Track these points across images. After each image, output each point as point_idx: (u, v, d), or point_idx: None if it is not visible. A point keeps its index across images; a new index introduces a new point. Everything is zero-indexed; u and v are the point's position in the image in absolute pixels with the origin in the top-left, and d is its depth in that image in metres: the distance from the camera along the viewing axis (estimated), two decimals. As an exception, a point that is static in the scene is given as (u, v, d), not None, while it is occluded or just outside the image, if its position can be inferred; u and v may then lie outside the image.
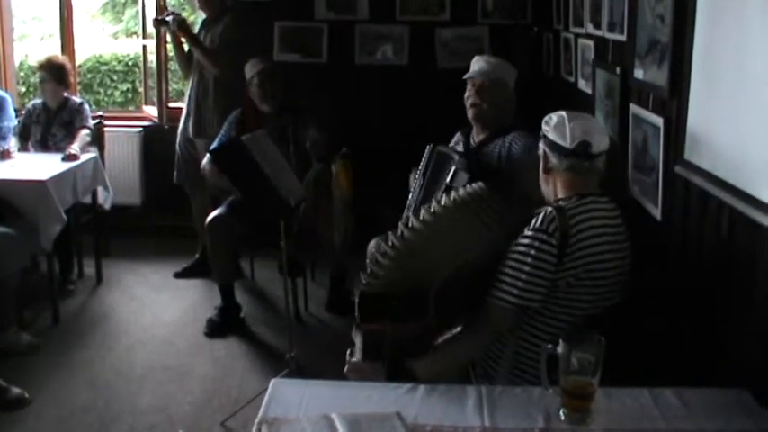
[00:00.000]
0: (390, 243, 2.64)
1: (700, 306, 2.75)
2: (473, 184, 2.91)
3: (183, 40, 5.77)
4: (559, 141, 2.67)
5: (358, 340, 2.71)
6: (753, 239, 2.32)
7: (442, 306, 2.58)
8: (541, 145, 2.79)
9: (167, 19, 5.68)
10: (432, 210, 2.71)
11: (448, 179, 3.69)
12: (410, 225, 2.66)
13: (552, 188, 2.77)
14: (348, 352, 2.77)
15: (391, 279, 2.59)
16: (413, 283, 2.56)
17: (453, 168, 3.70)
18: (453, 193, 2.82)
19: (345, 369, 2.73)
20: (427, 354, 2.63)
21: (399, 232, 2.65)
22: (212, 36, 5.73)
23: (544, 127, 2.76)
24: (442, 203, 2.74)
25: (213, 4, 5.81)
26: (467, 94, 4.01)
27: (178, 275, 5.97)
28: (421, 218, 2.68)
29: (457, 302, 2.68)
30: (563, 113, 2.72)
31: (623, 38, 3.70)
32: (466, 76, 4.02)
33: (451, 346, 2.71)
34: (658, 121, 3.12)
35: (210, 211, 5.24)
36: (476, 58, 4.08)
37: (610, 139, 2.78)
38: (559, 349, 2.06)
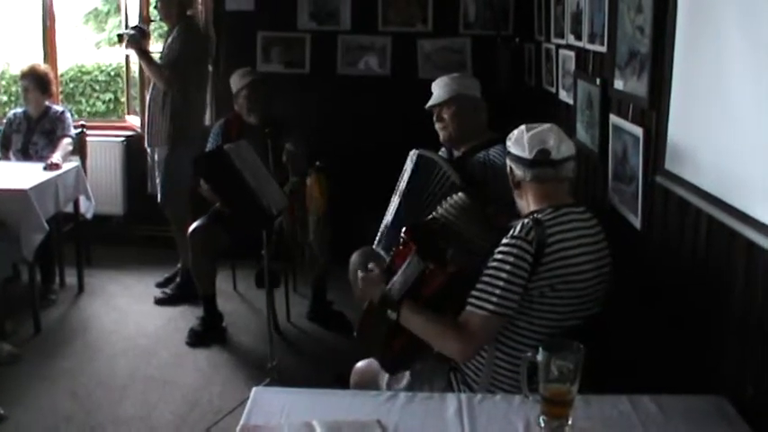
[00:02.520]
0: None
1: (678, 313, 2.78)
2: (454, 196, 2.96)
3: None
4: (520, 153, 2.73)
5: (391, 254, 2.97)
6: (730, 248, 2.35)
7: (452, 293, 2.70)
8: (508, 161, 2.84)
9: (127, 33, 5.77)
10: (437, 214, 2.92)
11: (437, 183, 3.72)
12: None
13: (525, 201, 2.79)
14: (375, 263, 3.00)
15: (447, 231, 2.82)
16: (456, 249, 2.73)
17: (443, 172, 3.72)
18: (440, 208, 2.90)
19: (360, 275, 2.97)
20: (419, 304, 2.72)
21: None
22: (166, 48, 5.76)
23: (507, 143, 2.82)
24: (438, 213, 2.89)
25: (171, 16, 5.76)
26: (434, 119, 4.10)
27: (160, 285, 5.94)
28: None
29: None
30: (523, 127, 2.78)
31: (603, 49, 3.73)
32: (426, 107, 4.10)
33: (437, 322, 2.68)
34: (638, 131, 3.14)
35: (189, 223, 5.26)
36: (432, 84, 4.15)
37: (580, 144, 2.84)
38: (539, 357, 2.07)
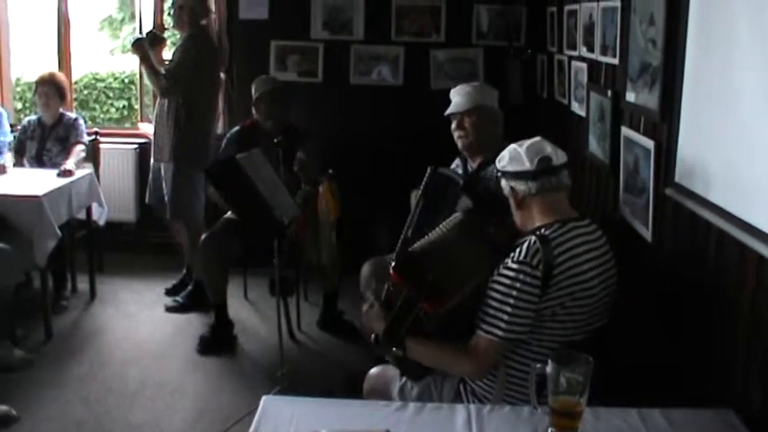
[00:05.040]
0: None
1: (688, 327, 2.78)
2: (454, 216, 2.92)
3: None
4: (520, 168, 2.70)
5: (384, 288, 2.93)
6: (739, 261, 2.35)
7: (456, 314, 2.66)
8: (504, 184, 2.81)
9: (137, 37, 5.75)
10: (434, 235, 2.81)
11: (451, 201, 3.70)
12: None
13: (530, 219, 2.75)
14: (372, 295, 3.01)
15: (436, 261, 2.68)
16: (449, 277, 2.64)
17: (456, 194, 3.71)
18: (440, 227, 2.86)
19: (365, 306, 2.99)
20: (423, 338, 2.74)
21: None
22: (171, 56, 5.73)
23: (499, 166, 2.80)
24: (437, 233, 2.82)
25: (182, 24, 5.67)
26: (452, 127, 4.06)
27: (168, 293, 5.95)
28: (430, 239, 2.79)
29: (464, 320, 2.71)
30: (513, 145, 2.77)
31: (615, 61, 3.74)
32: (446, 113, 4.06)
33: (444, 350, 2.74)
34: (649, 143, 3.15)
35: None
36: (452, 91, 4.12)
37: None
38: (548, 369, 2.08)
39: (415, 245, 2.76)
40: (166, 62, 5.80)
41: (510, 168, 2.74)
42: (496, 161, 2.83)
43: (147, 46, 5.61)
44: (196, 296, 5.69)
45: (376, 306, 2.92)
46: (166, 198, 5.75)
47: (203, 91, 5.70)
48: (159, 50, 5.84)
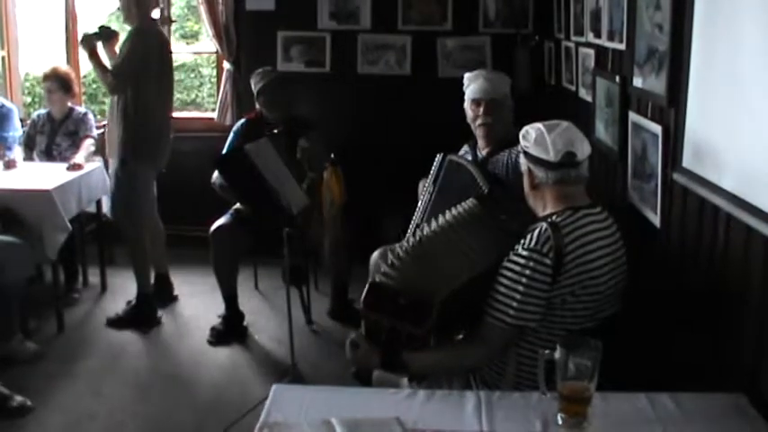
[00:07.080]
0: (409, 242, 2.74)
1: (697, 311, 2.77)
2: (466, 202, 2.89)
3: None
4: (543, 156, 2.65)
5: (362, 323, 2.82)
6: (748, 245, 2.35)
7: (447, 314, 2.61)
8: (524, 161, 2.77)
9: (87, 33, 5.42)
10: (439, 223, 2.77)
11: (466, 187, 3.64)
12: (424, 232, 2.75)
13: (542, 202, 2.74)
14: (353, 335, 2.86)
15: (405, 276, 2.63)
16: (423, 287, 2.58)
17: (468, 180, 3.67)
18: (449, 213, 2.83)
19: (348, 346, 2.83)
20: (422, 350, 2.70)
21: (417, 237, 2.74)
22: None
23: (523, 143, 2.74)
24: (444, 219, 2.79)
25: (131, 17, 5.36)
26: (473, 114, 3.99)
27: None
28: (432, 228, 2.75)
29: (462, 313, 2.71)
30: (540, 126, 2.70)
31: (622, 46, 3.73)
32: (473, 97, 3.99)
33: (447, 352, 2.77)
34: (657, 129, 3.14)
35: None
36: (470, 75, 4.06)
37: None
38: (557, 354, 2.08)
39: (385, 268, 2.67)
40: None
41: (533, 152, 2.69)
42: (520, 135, 2.77)
43: (95, 42, 5.33)
44: (138, 311, 5.43)
45: (362, 345, 2.79)
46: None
47: (152, 86, 5.36)
48: (112, 45, 5.50)
